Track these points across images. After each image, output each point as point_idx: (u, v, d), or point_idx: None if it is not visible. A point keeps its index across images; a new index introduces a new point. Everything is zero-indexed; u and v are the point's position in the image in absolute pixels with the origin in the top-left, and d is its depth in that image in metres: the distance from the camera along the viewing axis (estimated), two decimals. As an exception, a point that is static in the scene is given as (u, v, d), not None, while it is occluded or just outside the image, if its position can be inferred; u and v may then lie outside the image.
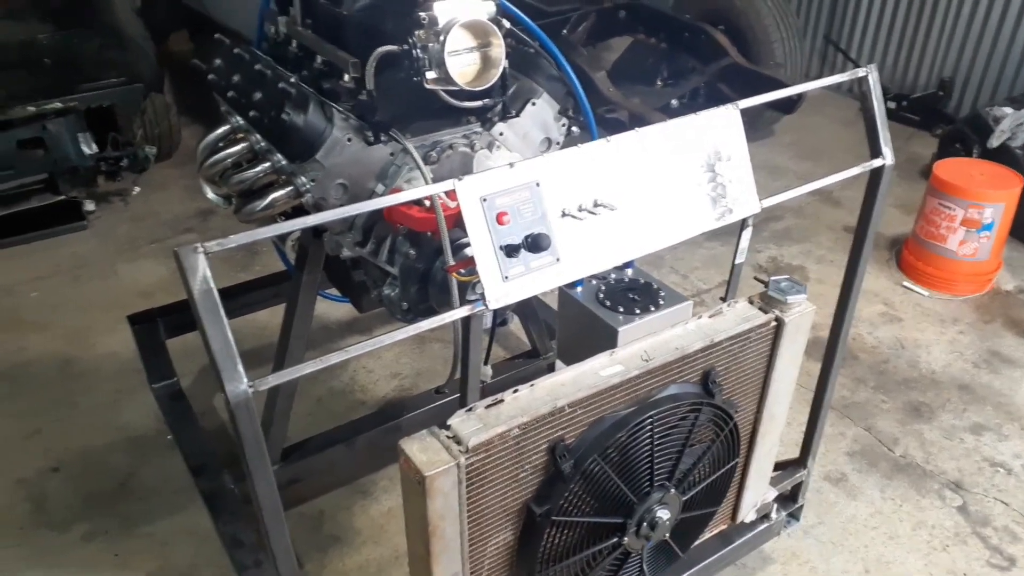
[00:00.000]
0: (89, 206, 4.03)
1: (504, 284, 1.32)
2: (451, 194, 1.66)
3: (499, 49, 1.70)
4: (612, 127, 3.45)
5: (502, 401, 1.40)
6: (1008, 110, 3.98)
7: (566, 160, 1.38)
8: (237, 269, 3.57)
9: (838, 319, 1.97)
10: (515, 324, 3.00)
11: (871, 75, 1.70)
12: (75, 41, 3.87)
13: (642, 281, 1.91)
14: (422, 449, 1.32)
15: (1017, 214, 3.48)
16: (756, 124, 4.63)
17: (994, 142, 3.88)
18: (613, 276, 1.90)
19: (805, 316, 1.71)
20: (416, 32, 1.65)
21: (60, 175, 3.86)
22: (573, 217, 1.39)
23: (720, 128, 1.55)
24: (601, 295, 1.85)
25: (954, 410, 2.90)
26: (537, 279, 1.36)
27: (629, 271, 1.93)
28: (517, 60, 1.93)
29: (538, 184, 1.35)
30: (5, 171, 3.69)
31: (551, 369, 2.37)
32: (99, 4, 4.15)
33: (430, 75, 1.66)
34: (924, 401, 2.94)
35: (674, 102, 3.92)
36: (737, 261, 1.72)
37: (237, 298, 2.77)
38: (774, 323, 1.68)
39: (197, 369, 2.92)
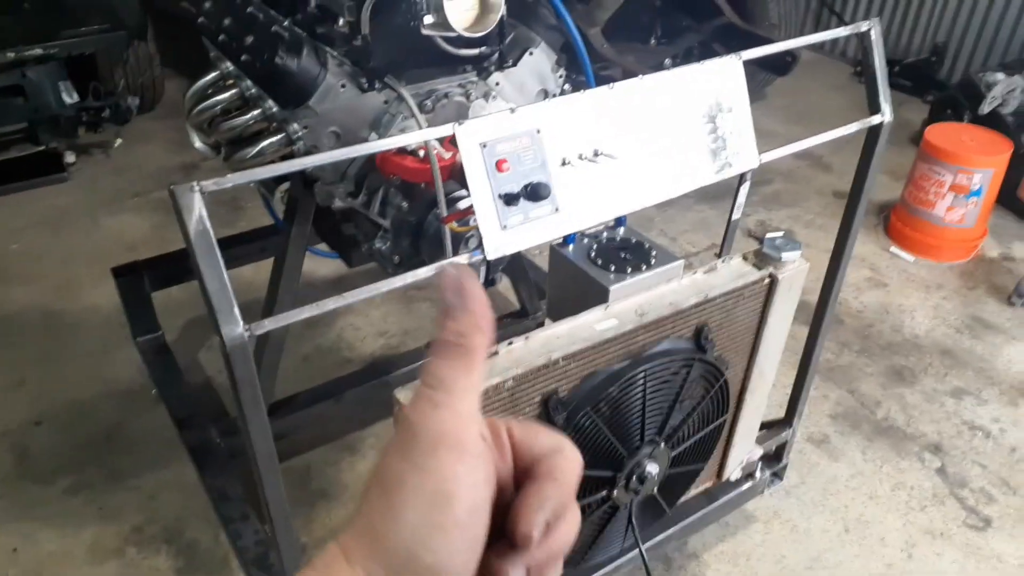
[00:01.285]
0: (70, 157, 3.94)
1: (503, 233, 1.30)
2: (446, 145, 1.64)
3: (497, -5, 1.66)
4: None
5: (496, 353, 1.39)
6: (1000, 76, 3.98)
7: (568, 107, 1.36)
8: (221, 225, 3.51)
9: (829, 278, 1.98)
10: (503, 286, 2.99)
11: (873, 30, 1.68)
12: (55, -14, 3.75)
13: (634, 240, 1.89)
14: (417, 398, 1.31)
15: (1005, 181, 3.50)
16: (749, 86, 4.58)
17: (985, 108, 3.88)
18: (605, 234, 1.88)
19: (799, 274, 1.71)
20: (413, -25, 1.61)
21: (40, 125, 3.78)
22: (573, 166, 1.37)
23: (722, 79, 1.53)
24: (593, 253, 1.83)
25: (936, 374, 2.94)
26: (536, 229, 1.34)
27: (621, 229, 1.91)
28: (515, 9, 1.88)
29: (539, 131, 1.32)
30: (-17, 120, 3.61)
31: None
32: (80, -52, 4.02)
33: (427, 19, 1.62)
34: (907, 365, 2.98)
35: (668, 61, 3.87)
36: (734, 217, 1.71)
37: (224, 251, 2.72)
38: (768, 280, 1.68)
39: (182, 324, 2.89)
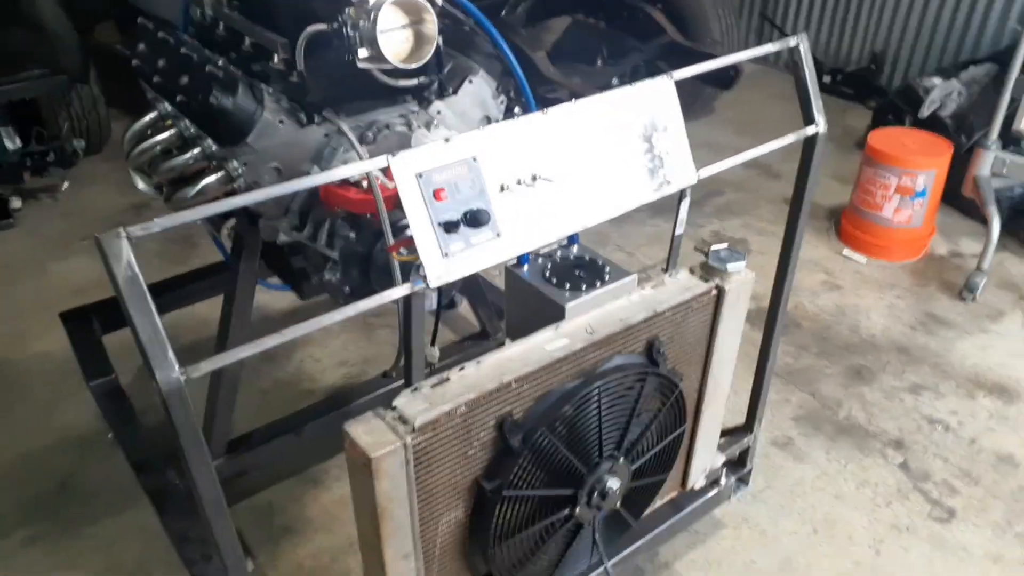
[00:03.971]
0: (15, 203, 3.86)
1: (444, 261, 1.31)
2: (388, 175, 1.65)
3: (432, 25, 1.68)
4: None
5: (448, 379, 1.39)
6: (937, 80, 4.10)
7: (503, 133, 1.37)
8: (175, 263, 3.48)
9: (778, 284, 2.01)
10: (464, 307, 2.99)
11: (802, 44, 1.72)
12: (-7, 32, 3.70)
13: (587, 257, 1.91)
14: (368, 431, 1.30)
15: (948, 180, 3.59)
16: (696, 102, 4.67)
17: (925, 112, 3.99)
18: (559, 253, 1.90)
19: (745, 284, 1.74)
20: (346, 10, 1.62)
21: (-17, 171, 3.71)
22: (512, 191, 1.38)
23: (656, 99, 1.56)
24: (547, 272, 1.84)
25: (894, 372, 2.99)
26: (478, 255, 1.35)
27: (574, 248, 1.93)
28: (452, 38, 1.90)
29: (475, 159, 1.34)
30: (-76, 168, 3.54)
31: (500, 349, 2.36)
32: (18, -7, 3.97)
33: (362, 53, 1.63)
34: (865, 364, 3.03)
35: (615, 81, 3.93)
36: (677, 232, 1.73)
37: (174, 291, 2.69)
38: (715, 291, 1.71)
39: (136, 366, 2.82)
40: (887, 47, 5.25)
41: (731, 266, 1.70)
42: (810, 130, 1.80)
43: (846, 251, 3.71)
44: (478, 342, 2.76)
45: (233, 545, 1.28)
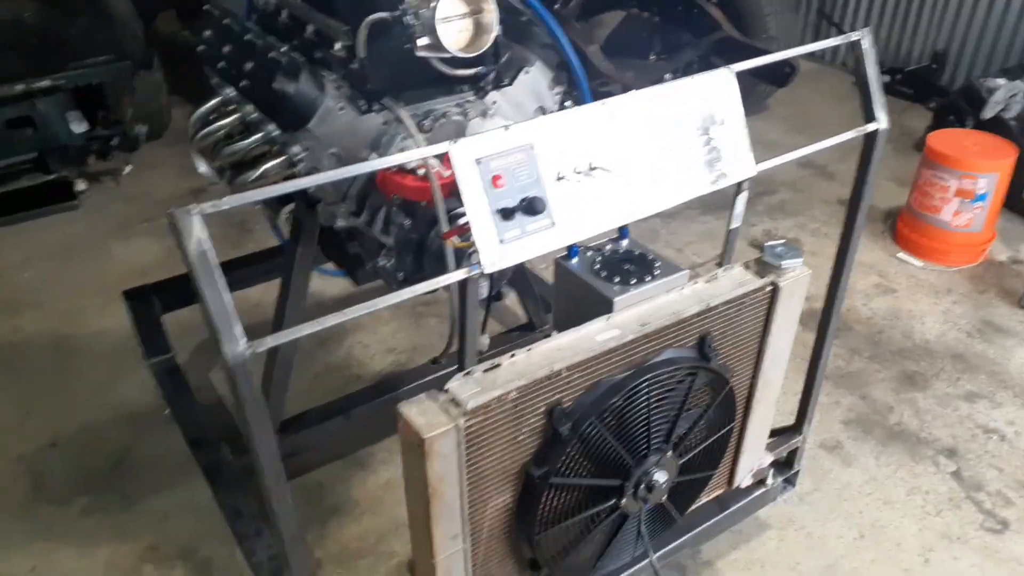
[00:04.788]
0: (80, 185, 4.00)
1: (499, 248, 1.32)
2: (445, 163, 1.67)
3: (491, 15, 1.69)
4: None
5: (499, 365, 1.40)
6: (1001, 81, 3.98)
7: (561, 123, 1.38)
8: (230, 247, 3.56)
9: (834, 283, 1.98)
10: (511, 299, 3.01)
11: (865, 39, 1.69)
12: (61, 19, 3.82)
13: (637, 252, 1.90)
14: (421, 412, 1.32)
15: (1011, 185, 3.49)
16: (750, 98, 4.57)
17: (988, 113, 3.88)
18: (609, 247, 1.90)
19: (800, 281, 1.72)
20: (407, -1, 1.64)
21: (50, 154, 3.84)
22: (568, 180, 1.39)
23: (715, 92, 1.55)
24: (597, 266, 1.84)
25: (948, 379, 2.92)
26: (532, 243, 1.36)
27: (625, 242, 1.93)
28: (510, 28, 1.91)
29: (533, 147, 1.35)
30: (-6, 151, 3.68)
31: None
32: (84, -18, 4.10)
33: (422, 42, 1.65)
34: (918, 370, 2.96)
35: (668, 76, 3.89)
36: (732, 226, 1.71)
37: (230, 273, 2.73)
38: (769, 288, 1.69)
39: (193, 345, 2.92)
40: (949, 46, 5.11)
41: (787, 263, 1.68)
42: (871, 127, 1.77)
43: (901, 254, 3.63)
44: (525, 333, 2.77)
45: (291, 517, 1.31)
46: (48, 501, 2.43)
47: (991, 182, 3.39)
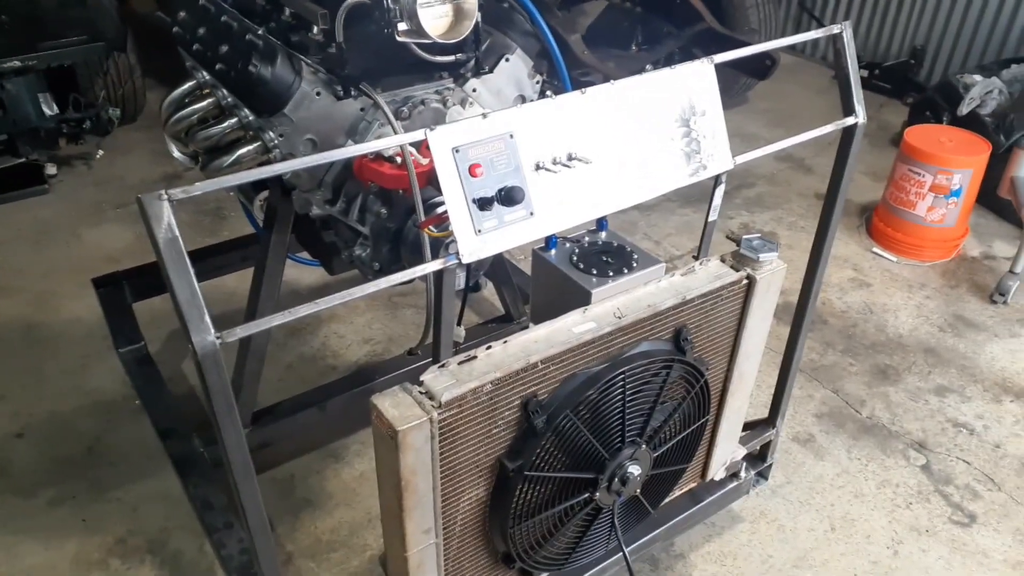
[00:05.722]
0: (51, 169, 3.92)
1: (477, 238, 1.30)
2: (423, 151, 1.65)
3: (472, 1, 1.67)
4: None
5: (475, 357, 1.39)
6: (978, 78, 4.02)
7: (540, 112, 1.36)
8: (205, 235, 3.51)
9: (809, 277, 1.99)
10: (488, 291, 3.00)
11: (845, 32, 1.69)
12: (34, -2, 3.73)
13: (615, 244, 1.90)
14: (394, 404, 1.31)
15: (984, 181, 3.52)
16: (730, 91, 4.62)
17: (964, 109, 3.92)
18: (587, 239, 1.89)
19: (776, 274, 1.72)
20: (387, -18, 1.61)
21: (20, 137, 3.75)
22: (547, 170, 1.37)
23: (694, 83, 1.54)
24: (575, 258, 1.84)
25: (919, 373, 2.96)
26: (510, 233, 1.35)
27: (603, 234, 1.92)
28: (491, 15, 1.89)
29: (512, 136, 1.33)
30: (-38, 132, 3.58)
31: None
32: (58, -40, 4.01)
33: (401, 27, 1.63)
34: (891, 364, 2.99)
35: (649, 67, 3.89)
36: (710, 219, 1.71)
37: (204, 261, 2.71)
38: (745, 281, 1.69)
39: (165, 335, 2.87)
40: (927, 42, 5.16)
41: (763, 256, 1.68)
42: (849, 120, 1.77)
43: (876, 249, 3.66)
44: (502, 325, 2.76)
45: (258, 510, 1.29)
46: (13, 492, 2.38)
47: (966, 178, 3.43)
